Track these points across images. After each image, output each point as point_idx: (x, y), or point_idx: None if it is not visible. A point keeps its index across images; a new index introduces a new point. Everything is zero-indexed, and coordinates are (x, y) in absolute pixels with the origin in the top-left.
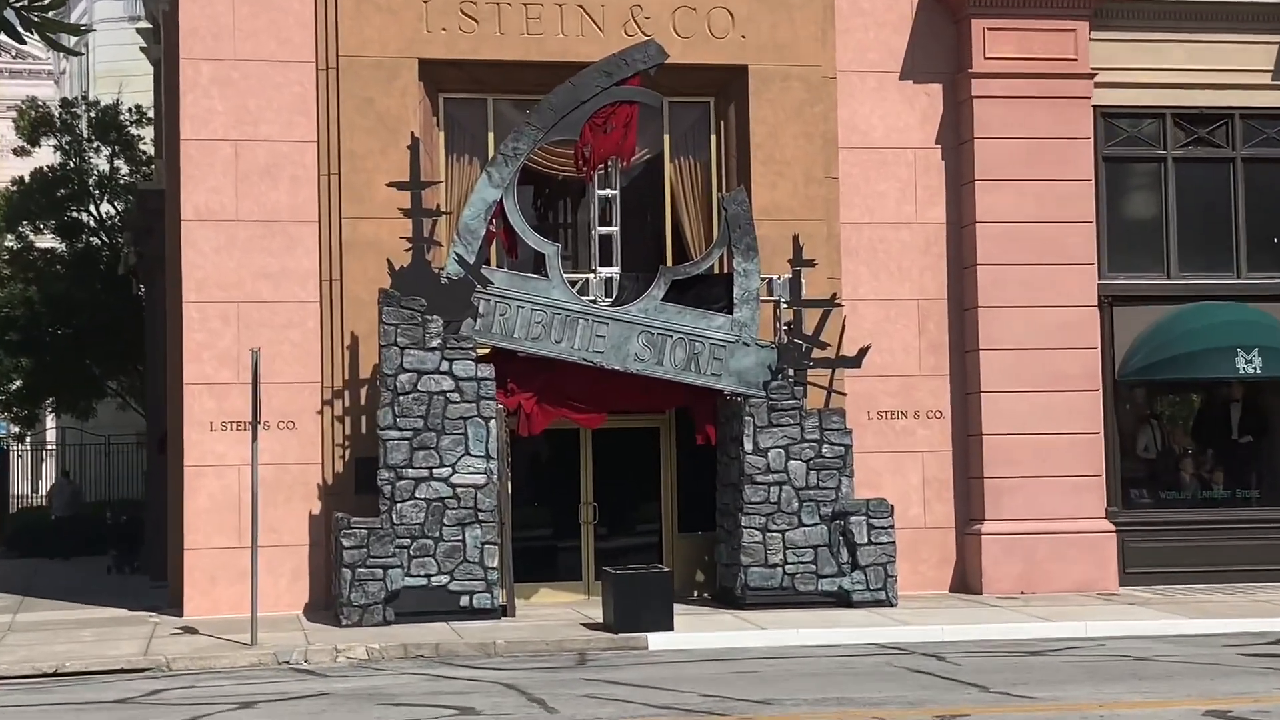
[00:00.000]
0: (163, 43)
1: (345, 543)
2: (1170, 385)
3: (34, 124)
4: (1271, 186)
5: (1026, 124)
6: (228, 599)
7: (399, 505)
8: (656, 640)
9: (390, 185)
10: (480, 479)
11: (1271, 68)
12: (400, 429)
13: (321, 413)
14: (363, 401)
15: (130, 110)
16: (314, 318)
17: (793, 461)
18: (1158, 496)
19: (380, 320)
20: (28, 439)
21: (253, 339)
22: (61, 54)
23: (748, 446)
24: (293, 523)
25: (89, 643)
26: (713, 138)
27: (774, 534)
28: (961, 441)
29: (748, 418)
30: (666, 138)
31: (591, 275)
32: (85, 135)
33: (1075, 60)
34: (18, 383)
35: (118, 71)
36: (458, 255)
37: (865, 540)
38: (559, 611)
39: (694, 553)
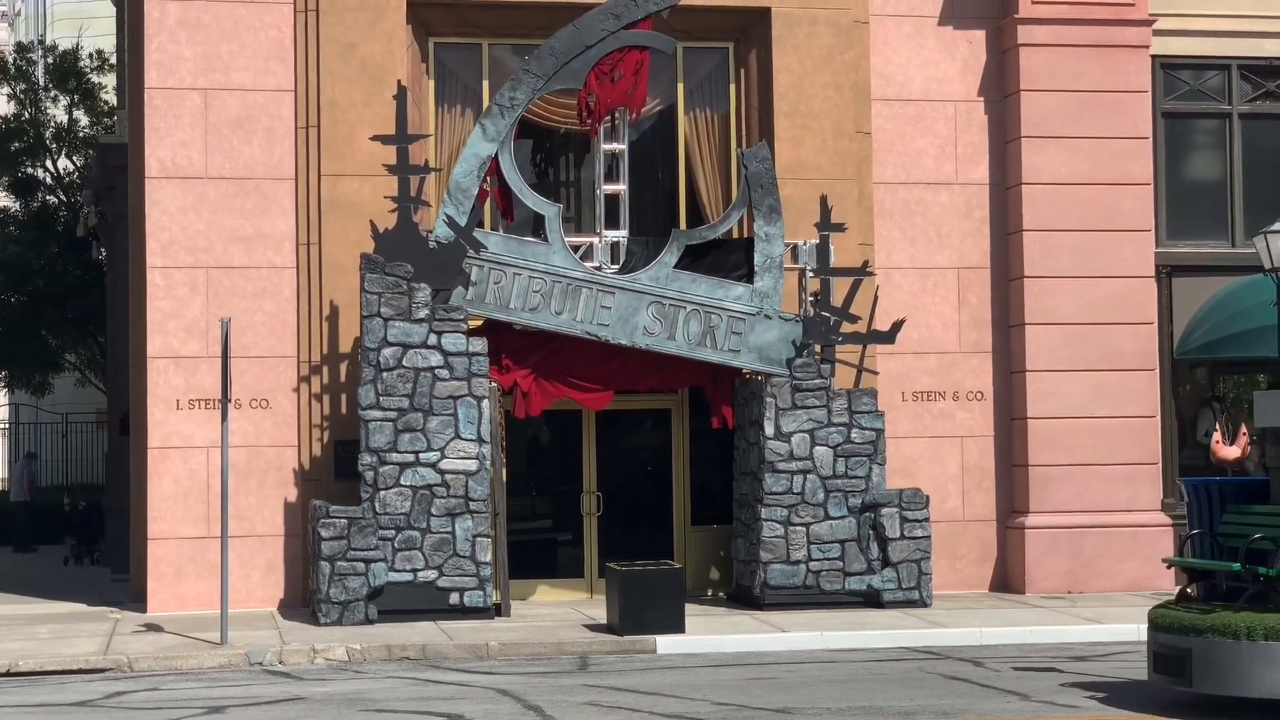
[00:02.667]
0: None
1: (323, 533)
2: (1234, 364)
3: None
4: None
5: (1078, 75)
6: (195, 594)
7: (382, 493)
8: (666, 643)
9: (374, 139)
10: (472, 465)
11: None
12: (384, 409)
13: (298, 390)
14: (343, 378)
15: (91, 56)
16: (290, 285)
17: (819, 447)
18: None
19: (362, 288)
20: None
21: (223, 308)
22: None
23: (769, 430)
24: (266, 511)
25: (44, 640)
26: (732, 87)
27: (797, 528)
28: (1004, 426)
29: (769, 399)
30: (680, 87)
31: (596, 239)
32: (41, 83)
33: (1132, 5)
34: None
35: (78, 13)
36: (448, 217)
37: (898, 534)
38: (558, 611)
39: (708, 548)
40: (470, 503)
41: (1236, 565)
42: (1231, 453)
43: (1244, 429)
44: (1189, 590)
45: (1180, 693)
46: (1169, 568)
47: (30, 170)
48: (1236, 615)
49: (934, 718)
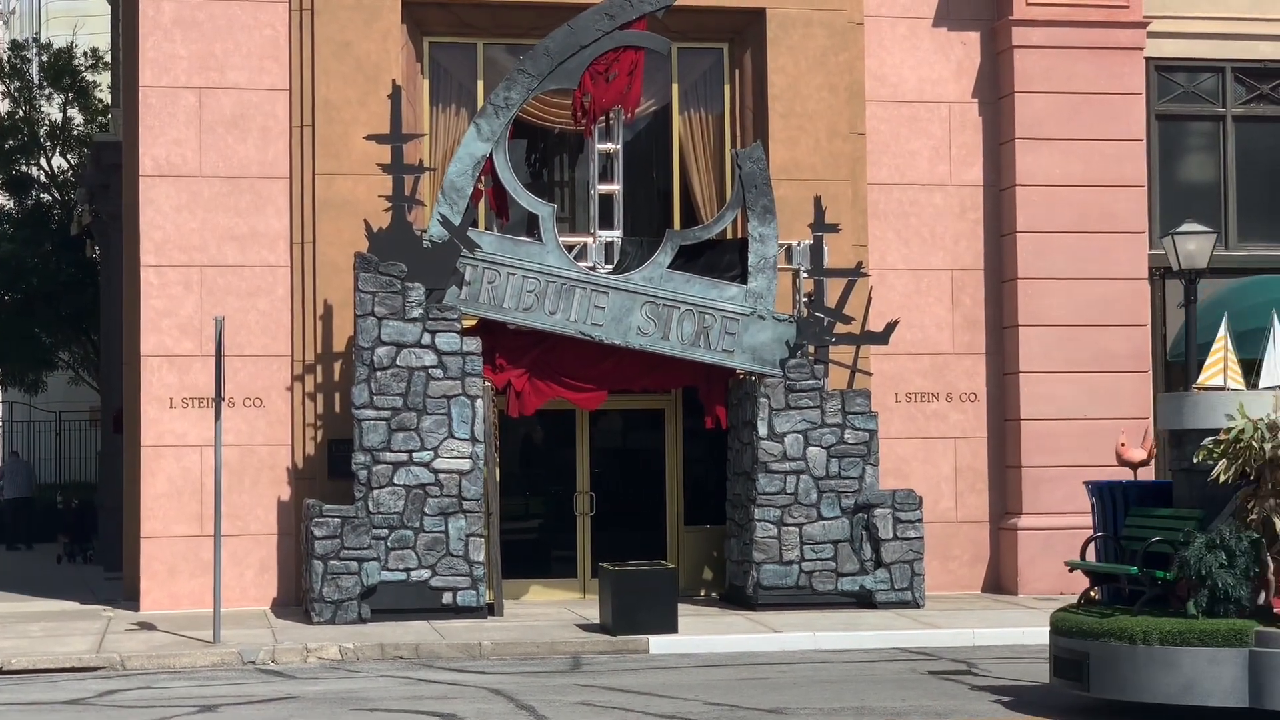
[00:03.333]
0: None
1: (317, 532)
2: None
3: None
4: None
5: (1072, 77)
6: (188, 592)
7: (376, 492)
8: (658, 643)
9: (369, 138)
10: (465, 464)
11: None
12: (377, 408)
13: (291, 389)
14: (336, 377)
15: (86, 54)
16: (284, 284)
17: (812, 448)
18: None
19: (356, 288)
20: None
21: (217, 307)
22: None
23: (762, 431)
24: (259, 510)
25: (37, 638)
26: (726, 88)
27: (790, 528)
28: (998, 427)
29: (763, 399)
30: (675, 87)
31: (590, 239)
32: (36, 81)
33: (1126, 7)
34: None
35: (73, 11)
36: (442, 216)
37: (891, 535)
38: (551, 611)
39: (701, 548)
40: (464, 502)
41: (1133, 569)
42: (1138, 455)
43: (1150, 431)
44: (1092, 593)
45: (1079, 697)
46: (1070, 571)
47: (24, 168)
48: (1134, 619)
49: (926, 718)
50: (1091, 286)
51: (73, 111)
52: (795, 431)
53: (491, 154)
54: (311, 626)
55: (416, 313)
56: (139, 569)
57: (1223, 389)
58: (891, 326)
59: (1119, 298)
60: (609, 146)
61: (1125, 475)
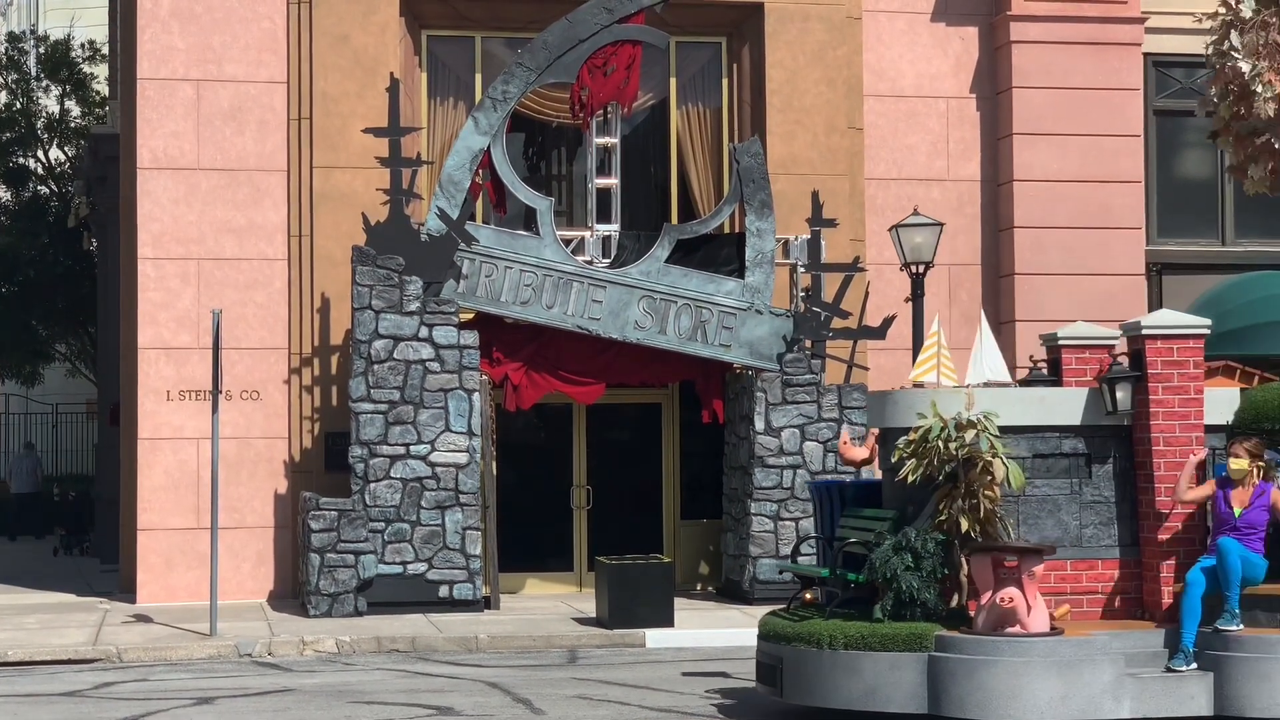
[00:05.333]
0: None
1: (313, 525)
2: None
3: None
4: None
5: (1070, 73)
6: (185, 585)
7: (372, 485)
8: (655, 637)
9: (366, 131)
10: (462, 457)
11: None
12: (374, 401)
13: (289, 382)
14: (334, 370)
15: (83, 46)
16: (281, 277)
17: (809, 443)
18: None
19: (353, 281)
20: None
21: (214, 299)
22: None
23: (759, 425)
24: (256, 503)
25: (33, 630)
26: (724, 82)
27: (786, 522)
28: None
29: (759, 394)
30: (673, 81)
31: (587, 233)
32: (33, 73)
33: (1124, 3)
34: None
35: (70, 3)
36: (440, 209)
37: None
38: (548, 604)
39: (698, 542)
40: (460, 495)
41: (825, 571)
42: (860, 454)
43: (873, 429)
44: (806, 596)
45: (775, 703)
46: (780, 573)
47: (21, 160)
48: (824, 624)
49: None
50: (1089, 282)
51: (70, 104)
52: (792, 426)
53: (489, 147)
54: (308, 619)
55: (414, 306)
56: (136, 561)
57: (935, 386)
58: (889, 321)
59: (1116, 293)
60: (607, 140)
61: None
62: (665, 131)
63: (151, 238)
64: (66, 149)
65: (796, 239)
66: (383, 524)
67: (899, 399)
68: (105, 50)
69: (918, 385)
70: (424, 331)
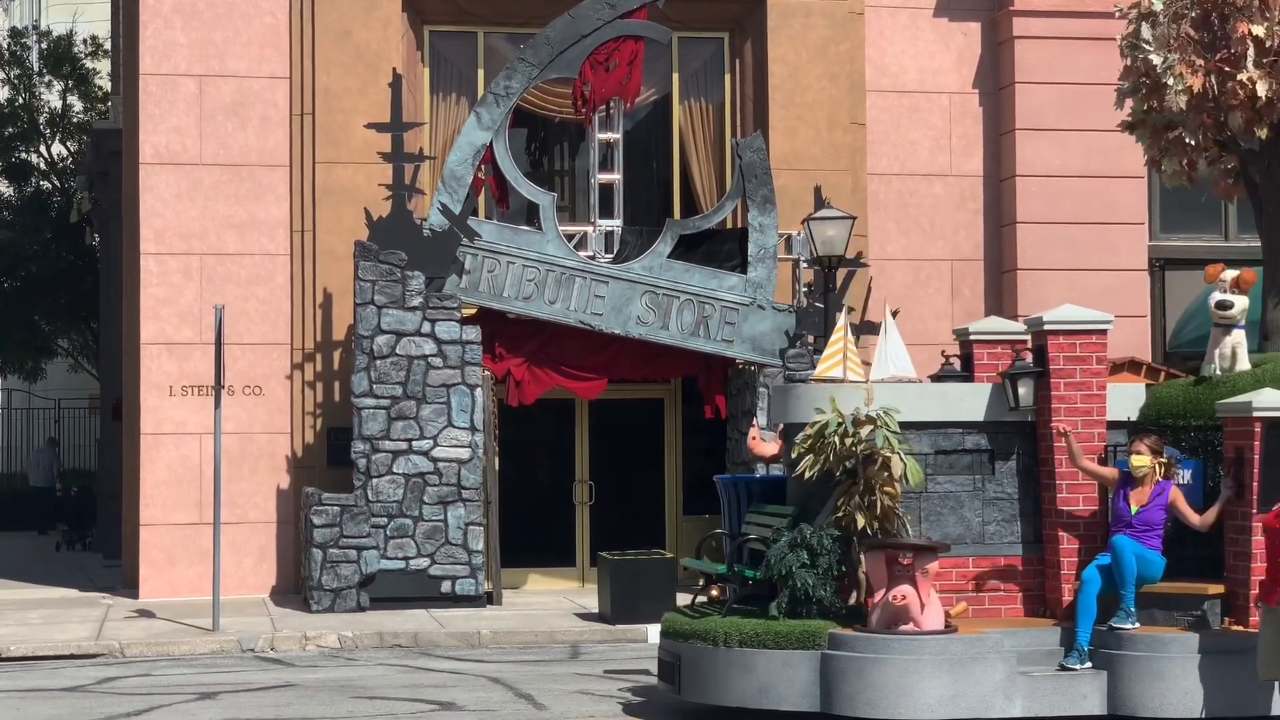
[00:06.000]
0: None
1: (316, 521)
2: None
3: None
4: None
5: (1073, 67)
6: (187, 580)
7: (375, 480)
8: (657, 633)
9: (369, 127)
10: (464, 453)
11: None
12: (377, 396)
13: (291, 377)
14: (336, 365)
15: (85, 41)
16: (283, 272)
17: None
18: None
19: (356, 276)
20: None
21: (216, 295)
22: None
23: (762, 421)
24: (259, 498)
25: (36, 625)
26: (727, 78)
27: None
28: None
29: (762, 389)
30: (676, 77)
31: (590, 228)
32: (36, 68)
33: None
34: None
35: None
36: (442, 205)
37: None
38: (550, 600)
39: (699, 538)
40: (463, 491)
41: (722, 568)
42: (769, 449)
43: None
44: (713, 592)
45: (675, 700)
46: (685, 570)
47: (24, 156)
48: (721, 621)
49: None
50: (1091, 277)
51: (72, 99)
52: None
53: (492, 143)
54: (310, 615)
55: (416, 301)
56: (138, 556)
57: (841, 381)
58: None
59: (1119, 289)
60: (609, 136)
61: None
62: (668, 127)
63: (154, 233)
64: (69, 144)
65: (799, 234)
66: (385, 519)
67: (800, 394)
68: (107, 45)
69: (824, 381)
70: (426, 327)
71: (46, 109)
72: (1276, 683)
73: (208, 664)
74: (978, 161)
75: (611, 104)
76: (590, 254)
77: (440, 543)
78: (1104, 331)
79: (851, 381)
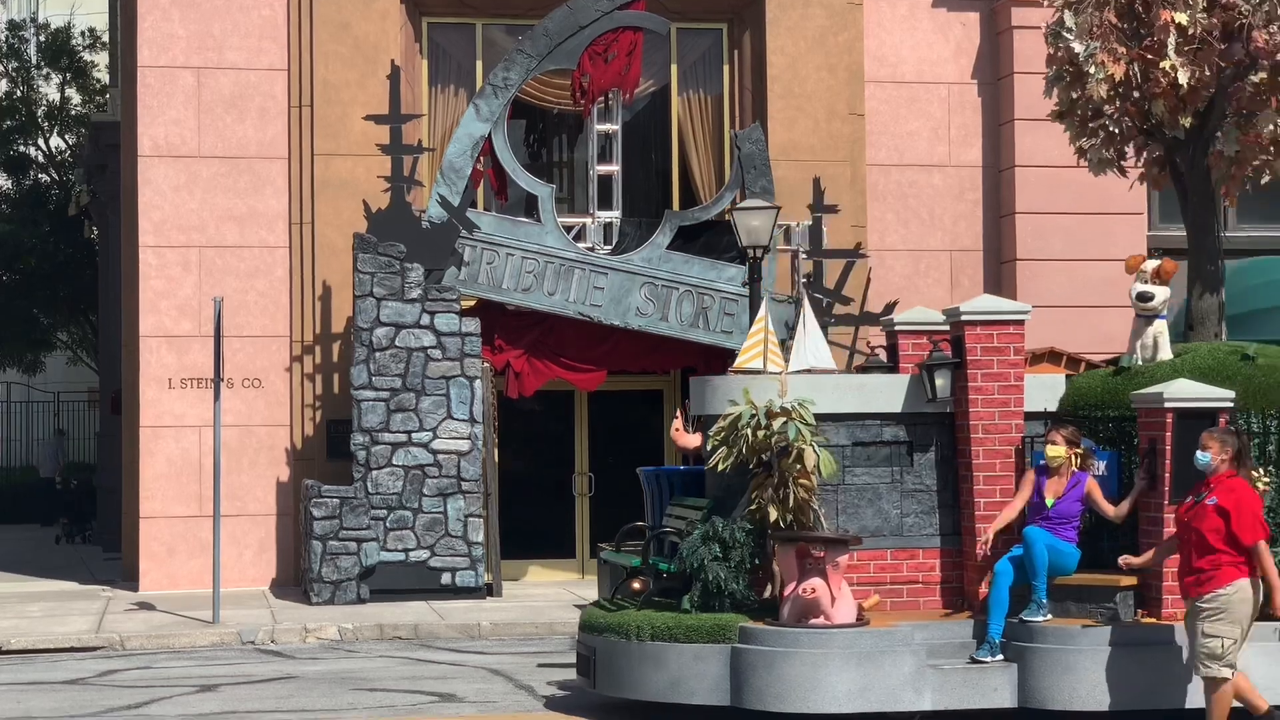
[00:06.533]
0: None
1: (316, 513)
2: None
3: None
4: None
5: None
6: (187, 573)
7: (374, 473)
8: None
9: (367, 119)
10: (464, 445)
11: None
12: (376, 388)
13: (290, 370)
14: (335, 358)
15: (83, 34)
16: (282, 265)
17: None
18: None
19: (355, 268)
20: None
21: (215, 287)
22: None
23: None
24: (258, 490)
25: (36, 618)
26: (725, 69)
27: None
28: None
29: None
30: (674, 68)
31: (589, 220)
32: (34, 61)
33: None
34: None
35: None
36: (441, 197)
37: None
38: (550, 591)
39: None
40: (462, 483)
41: (635, 561)
42: (692, 441)
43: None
44: (635, 585)
45: (590, 694)
46: (602, 564)
47: (22, 149)
48: (635, 615)
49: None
50: (1091, 268)
51: (70, 91)
52: None
53: (490, 135)
54: (310, 607)
55: (415, 293)
56: (138, 549)
57: (761, 372)
58: (890, 308)
59: (1118, 279)
60: (608, 127)
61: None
62: (666, 118)
63: (152, 225)
64: (67, 137)
65: (798, 225)
66: (385, 511)
67: (716, 385)
68: (105, 38)
69: (743, 372)
70: (425, 319)
71: (44, 102)
72: (1195, 675)
73: (208, 656)
74: (976, 152)
75: (610, 95)
76: (589, 245)
77: (440, 535)
78: (1021, 322)
79: (768, 373)
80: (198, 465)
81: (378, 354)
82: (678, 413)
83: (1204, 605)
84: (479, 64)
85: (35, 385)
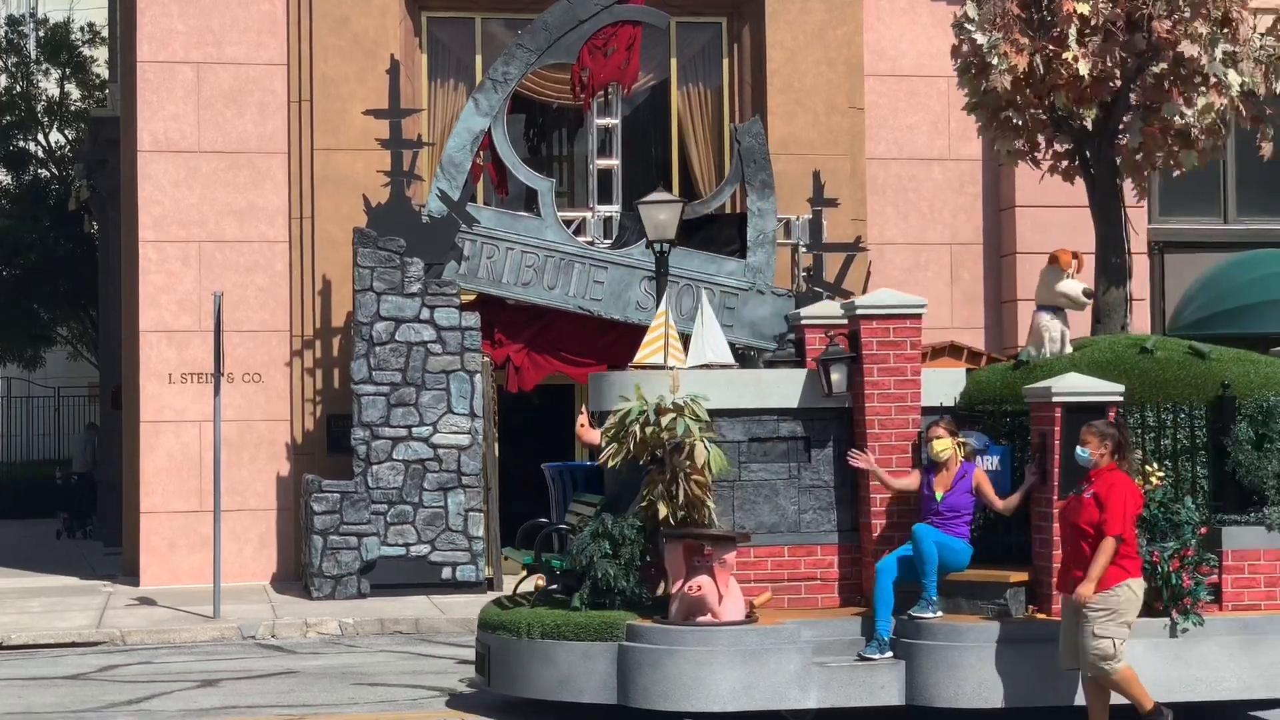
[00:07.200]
0: None
1: (316, 508)
2: (1226, 341)
3: None
4: None
5: None
6: (188, 568)
7: (375, 467)
8: None
9: (367, 113)
10: (464, 439)
11: None
12: (376, 383)
13: (290, 364)
14: (335, 352)
15: (83, 29)
16: (282, 259)
17: None
18: None
19: (355, 263)
20: None
21: (215, 282)
22: None
23: None
24: (259, 485)
25: (37, 614)
26: (725, 62)
27: None
28: None
29: None
30: (674, 62)
31: (589, 214)
32: (33, 56)
33: None
34: None
35: None
36: (441, 191)
37: None
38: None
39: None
40: (462, 477)
41: (528, 558)
42: (596, 436)
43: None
44: (539, 582)
45: (486, 692)
46: (506, 559)
47: (22, 144)
48: (527, 612)
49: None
50: (1091, 260)
51: (70, 87)
52: None
53: (490, 129)
54: (311, 601)
55: (415, 288)
56: (138, 544)
57: (662, 368)
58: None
59: None
60: (607, 121)
61: None
62: (666, 112)
63: (152, 220)
64: (67, 132)
65: (798, 219)
66: (385, 506)
67: (611, 381)
68: (105, 33)
69: (643, 367)
70: (425, 313)
71: (44, 97)
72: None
73: (209, 651)
74: (976, 146)
75: (610, 89)
76: (589, 239)
77: (440, 529)
78: (918, 316)
79: (661, 368)
80: (198, 460)
81: (378, 348)
82: (582, 408)
83: (1092, 611)
84: (478, 58)
85: (35, 380)
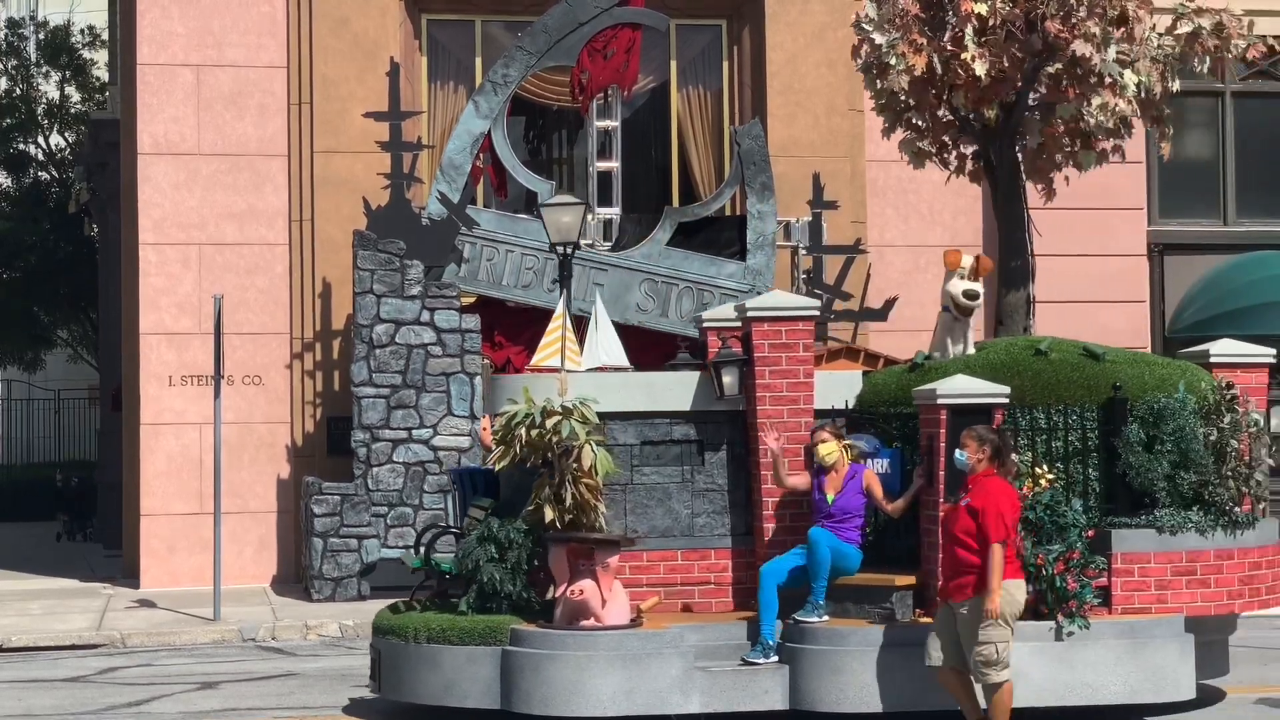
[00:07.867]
0: None
1: (316, 510)
2: None
3: None
4: None
5: None
6: (188, 570)
7: (375, 469)
8: None
9: (367, 115)
10: (464, 441)
11: None
12: (376, 385)
13: (290, 367)
14: (335, 355)
15: (83, 31)
16: (282, 262)
17: None
18: None
19: (355, 265)
20: None
21: (215, 284)
22: None
23: None
24: (259, 487)
25: (37, 616)
26: (725, 65)
27: None
28: None
29: None
30: (673, 64)
31: (589, 216)
32: (33, 59)
33: None
34: None
35: None
36: (440, 193)
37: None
38: None
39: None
40: None
41: (417, 562)
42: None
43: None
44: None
45: (377, 697)
46: (401, 563)
47: (22, 147)
48: (415, 616)
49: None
50: (1090, 263)
51: (70, 89)
52: None
53: (490, 131)
54: (311, 604)
55: (415, 290)
56: (139, 546)
57: (557, 370)
58: (890, 303)
59: (1118, 274)
60: (607, 123)
61: None
62: (666, 114)
63: (152, 223)
64: (67, 135)
65: (798, 221)
66: (385, 508)
67: (504, 384)
68: (105, 35)
69: (540, 370)
70: (425, 315)
71: (44, 100)
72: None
73: (209, 653)
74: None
75: (609, 92)
76: (589, 242)
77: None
78: (811, 318)
79: (552, 370)
80: (198, 462)
81: (378, 351)
82: (485, 413)
83: (974, 616)
84: (478, 60)
85: (35, 383)
